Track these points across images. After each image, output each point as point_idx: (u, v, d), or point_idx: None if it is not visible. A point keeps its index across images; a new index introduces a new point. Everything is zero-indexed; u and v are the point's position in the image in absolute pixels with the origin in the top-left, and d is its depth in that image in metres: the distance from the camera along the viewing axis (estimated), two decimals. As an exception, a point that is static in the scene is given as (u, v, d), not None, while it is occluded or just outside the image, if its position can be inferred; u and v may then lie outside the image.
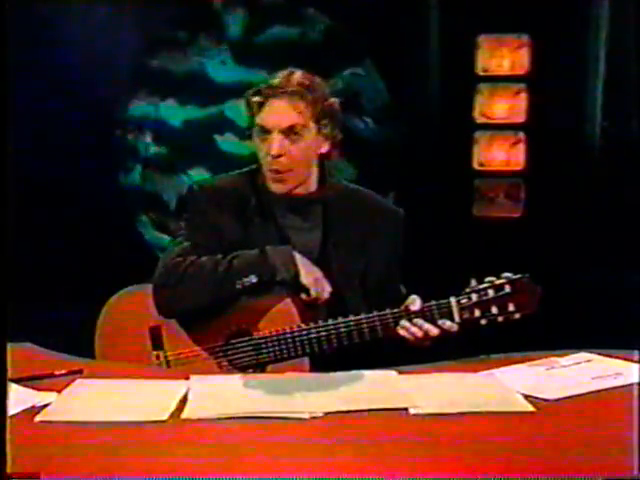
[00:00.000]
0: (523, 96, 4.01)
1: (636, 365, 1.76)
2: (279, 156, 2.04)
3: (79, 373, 1.81)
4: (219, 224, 2.11)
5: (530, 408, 1.58)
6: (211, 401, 1.62)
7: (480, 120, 4.05)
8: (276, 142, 2.04)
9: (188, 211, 2.17)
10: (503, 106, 4.03)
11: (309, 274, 2.02)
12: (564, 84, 3.88)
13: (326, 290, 2.04)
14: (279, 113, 2.04)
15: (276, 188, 2.10)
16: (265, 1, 4.16)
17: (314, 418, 1.51)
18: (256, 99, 2.07)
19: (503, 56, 4.02)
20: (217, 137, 4.06)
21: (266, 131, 2.06)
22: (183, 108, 4.17)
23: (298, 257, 2.02)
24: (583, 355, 1.91)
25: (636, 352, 1.83)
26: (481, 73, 4.04)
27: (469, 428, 1.49)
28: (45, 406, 1.58)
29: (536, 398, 1.62)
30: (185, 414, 1.54)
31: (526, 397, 1.63)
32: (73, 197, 3.98)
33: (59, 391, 1.67)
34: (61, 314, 3.55)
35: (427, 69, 4.06)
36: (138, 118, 4.21)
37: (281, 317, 2.01)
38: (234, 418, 1.51)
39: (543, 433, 1.48)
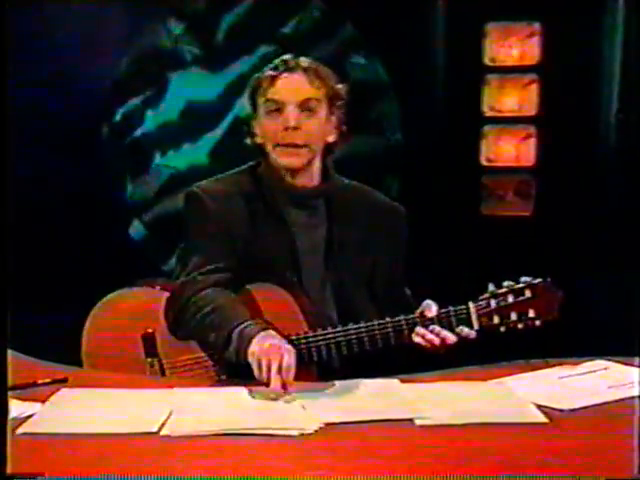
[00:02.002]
0: (534, 88, 4.00)
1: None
2: (295, 129, 2.05)
3: (64, 382, 1.80)
4: (227, 227, 2.07)
5: (543, 419, 1.57)
6: (195, 416, 1.60)
7: (488, 113, 4.04)
8: (292, 114, 2.05)
9: (192, 216, 2.14)
10: (513, 98, 4.02)
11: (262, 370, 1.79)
12: (577, 74, 3.87)
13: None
14: (294, 86, 2.07)
15: (288, 162, 2.08)
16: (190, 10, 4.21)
17: (305, 434, 1.49)
18: (268, 74, 2.09)
19: (512, 45, 4.01)
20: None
21: (279, 105, 2.06)
22: (203, 141, 4.19)
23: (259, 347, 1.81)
24: (599, 363, 1.91)
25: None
26: (489, 63, 4.02)
27: (478, 440, 1.48)
28: (28, 417, 1.58)
29: (550, 408, 1.62)
30: (165, 430, 1.52)
31: (539, 407, 1.63)
32: (59, 195, 3.99)
33: (43, 401, 1.67)
34: (43, 317, 3.53)
35: (432, 59, 4.05)
36: (166, 180, 4.27)
37: (286, 322, 2.00)
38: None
39: (557, 446, 1.47)
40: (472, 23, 3.97)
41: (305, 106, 2.06)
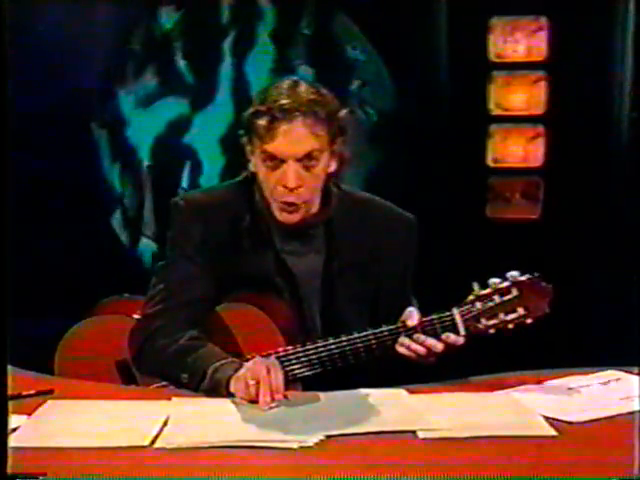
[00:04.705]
0: (542, 85, 4.01)
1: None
2: (296, 188, 1.97)
3: (50, 393, 1.81)
4: (208, 247, 2.05)
5: (552, 432, 1.58)
6: (191, 427, 1.61)
7: (495, 112, 4.05)
8: (292, 173, 1.95)
9: (173, 230, 2.11)
10: (520, 96, 4.03)
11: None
12: (588, 70, 3.88)
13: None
14: (295, 139, 1.94)
15: (286, 219, 2.02)
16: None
17: (306, 447, 1.50)
18: (262, 122, 1.96)
19: (519, 41, 4.03)
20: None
21: (278, 160, 1.97)
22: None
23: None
24: (611, 373, 1.92)
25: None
26: (495, 60, 4.04)
27: (484, 454, 1.49)
28: (13, 431, 1.58)
29: (558, 420, 1.63)
30: (160, 442, 1.53)
31: (547, 419, 1.63)
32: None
33: (29, 414, 1.67)
34: (27, 325, 3.54)
35: (435, 56, 4.06)
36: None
37: (263, 339, 1.98)
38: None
39: (566, 459, 1.48)
40: (476, 17, 3.98)
41: (306, 159, 1.96)
